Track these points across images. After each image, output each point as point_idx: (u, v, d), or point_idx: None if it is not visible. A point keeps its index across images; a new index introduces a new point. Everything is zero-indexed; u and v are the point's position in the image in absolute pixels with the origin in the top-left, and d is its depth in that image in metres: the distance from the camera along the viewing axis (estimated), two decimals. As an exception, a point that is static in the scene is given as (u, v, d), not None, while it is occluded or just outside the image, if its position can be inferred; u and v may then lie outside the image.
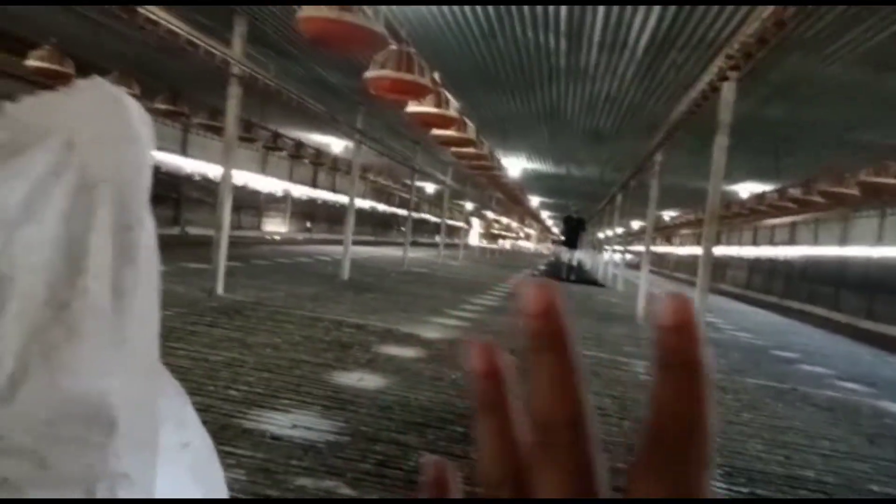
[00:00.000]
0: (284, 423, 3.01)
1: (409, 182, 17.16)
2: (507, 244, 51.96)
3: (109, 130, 0.48)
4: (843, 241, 16.10)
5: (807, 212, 14.51)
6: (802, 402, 4.97)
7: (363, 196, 27.15)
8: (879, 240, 14.32)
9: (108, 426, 0.41)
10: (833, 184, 9.96)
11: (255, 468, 2.48)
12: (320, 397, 3.49)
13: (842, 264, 15.90)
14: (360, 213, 26.01)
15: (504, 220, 40.47)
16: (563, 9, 5.40)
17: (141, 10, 4.91)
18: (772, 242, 20.97)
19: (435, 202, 35.14)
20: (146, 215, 0.50)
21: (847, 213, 15.27)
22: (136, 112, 0.50)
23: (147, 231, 0.49)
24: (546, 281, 0.18)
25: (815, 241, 17.77)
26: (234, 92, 6.54)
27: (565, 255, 17.08)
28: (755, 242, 22.79)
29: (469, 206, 28.37)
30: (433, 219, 39.09)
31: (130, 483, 0.40)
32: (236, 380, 3.63)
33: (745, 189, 15.19)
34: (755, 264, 22.63)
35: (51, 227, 0.42)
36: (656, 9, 5.14)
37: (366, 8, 3.64)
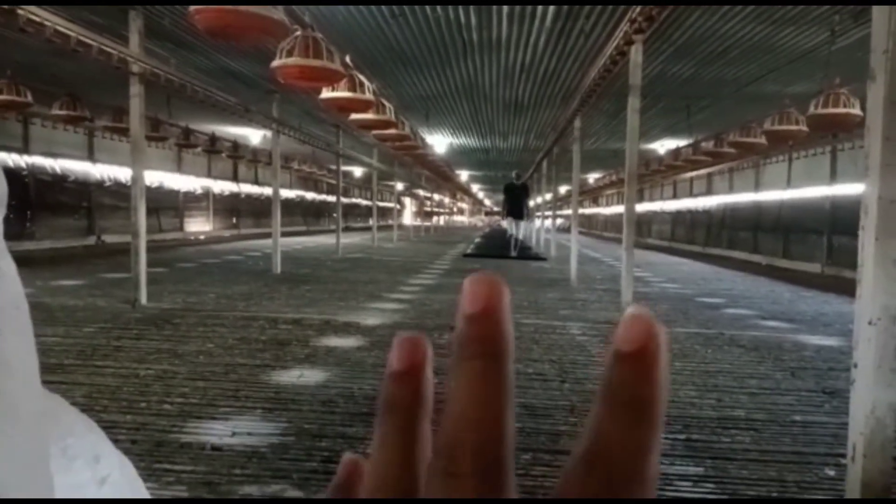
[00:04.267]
0: (224, 431, 2.93)
1: (335, 168, 16.88)
2: (441, 220, 52.17)
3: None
4: (757, 187, 16.96)
5: (720, 163, 15.18)
6: (730, 345, 5.23)
7: (289, 186, 26.54)
8: (788, 183, 15.17)
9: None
10: (741, 135, 10.45)
11: (197, 482, 2.40)
12: (260, 400, 3.41)
13: (757, 209, 16.77)
14: (288, 203, 25.45)
15: (436, 197, 40.55)
16: (469, -18, 5.38)
17: (20, 10, 4.55)
18: (691, 194, 21.88)
19: (364, 185, 34.78)
20: (4, 259, 0.45)
21: (758, 161, 16.07)
22: None
23: (8, 276, 0.45)
24: (492, 276, 0.15)
25: (731, 190, 18.66)
26: (136, 90, 6.20)
27: (512, 227, 14.93)
28: (676, 196, 23.72)
29: (399, 186, 28.23)
30: (364, 202, 38.71)
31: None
32: (170, 392, 3.50)
33: (663, 146, 15.73)
34: (677, 217, 23.57)
35: None
36: (560, -24, 5.19)
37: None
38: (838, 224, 12.48)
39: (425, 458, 0.15)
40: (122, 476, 0.56)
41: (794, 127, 8.45)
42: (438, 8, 6.00)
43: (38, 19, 4.71)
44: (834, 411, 3.48)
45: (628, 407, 0.14)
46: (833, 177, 13.18)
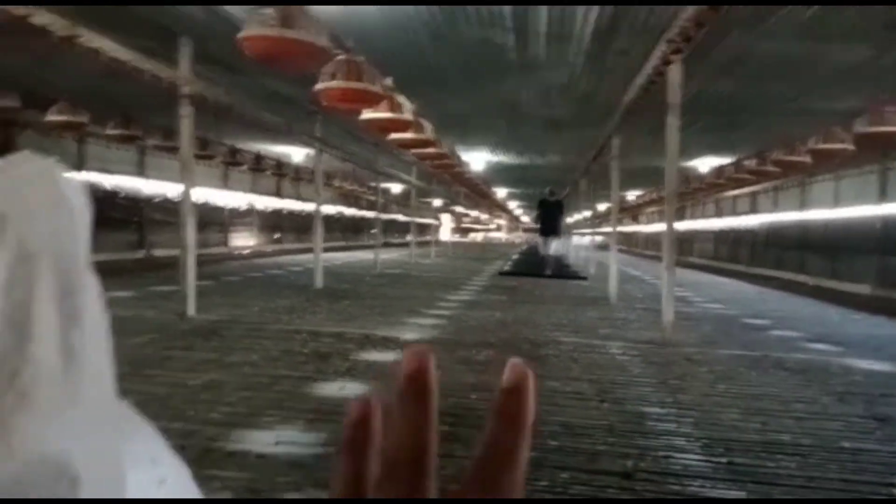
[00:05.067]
0: (269, 440, 3.01)
1: (374, 185, 17.11)
2: (478, 237, 52.17)
3: (43, 202, 0.50)
4: (803, 205, 16.54)
5: (764, 181, 14.86)
6: (775, 368, 5.10)
7: (330, 202, 26.97)
8: (836, 202, 14.75)
9: (70, 485, 0.43)
10: (785, 153, 10.23)
11: (242, 489, 2.48)
12: (303, 411, 3.49)
13: (803, 228, 16.34)
14: (329, 219, 25.81)
15: (473, 213, 40.61)
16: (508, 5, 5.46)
17: (80, 39, 4.82)
18: (734, 213, 21.44)
19: (403, 202, 35.11)
20: (88, 278, 0.52)
21: (803, 179, 15.69)
22: (68, 181, 0.52)
23: (91, 293, 0.51)
24: (423, 348, 0.23)
25: (776, 208, 18.22)
26: (186, 112, 6.45)
27: (543, 246, 14.12)
28: (718, 214, 23.27)
29: (437, 202, 28.41)
30: (403, 218, 39.03)
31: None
32: (217, 402, 3.61)
33: (704, 163, 15.49)
34: (720, 235, 23.10)
35: (-6, 302, 0.43)
36: (599, -3, 5.22)
37: (308, 22, 3.63)
38: (889, 244, 12.07)
39: (373, 474, 0.23)
40: (178, 479, 0.63)
41: (840, 145, 8.25)
42: (477, 30, 6.10)
43: (97, 46, 4.97)
44: (886, 439, 3.37)
45: (507, 420, 0.22)
46: (883, 196, 12.77)
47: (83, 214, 0.49)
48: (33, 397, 0.44)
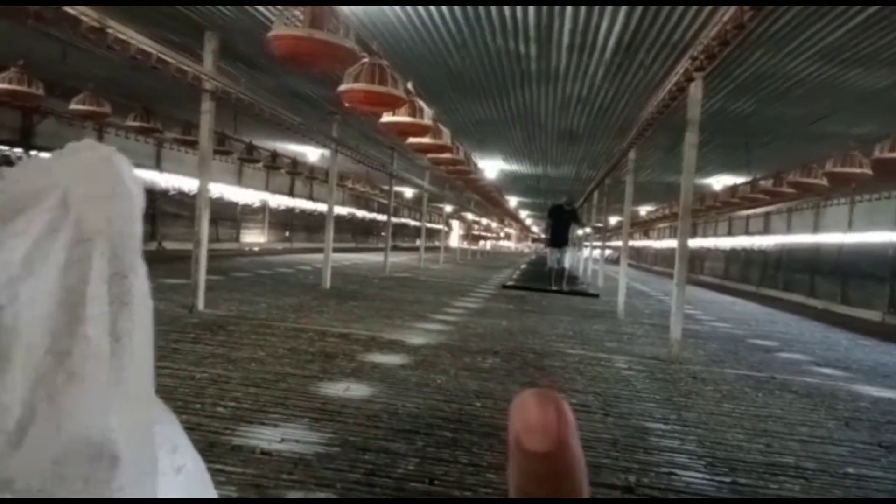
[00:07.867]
0: (273, 437, 3.03)
1: (387, 188, 17.15)
2: (487, 245, 52.12)
3: (101, 187, 0.52)
4: (816, 228, 16.42)
5: (778, 202, 14.78)
6: (781, 390, 5.08)
7: (342, 203, 27.07)
8: (850, 226, 14.64)
9: (110, 462, 0.45)
10: (802, 175, 10.18)
11: (246, 484, 2.50)
12: (308, 409, 3.51)
13: (815, 251, 16.22)
14: (340, 220, 25.91)
15: (484, 221, 40.58)
16: (532, 15, 5.48)
17: (110, 30, 4.89)
18: (747, 232, 21.31)
19: (414, 206, 35.15)
20: (139, 263, 0.53)
21: (818, 202, 15.59)
22: (126, 170, 0.54)
23: (140, 277, 0.53)
24: (551, 394, 0.14)
25: (789, 230, 18.11)
26: (207, 107, 6.52)
27: (554, 258, 12.93)
28: (731, 233, 23.15)
29: (448, 208, 28.41)
30: (413, 223, 39.08)
31: (133, 512, 0.44)
32: (223, 396, 3.63)
33: (719, 182, 15.42)
34: (732, 254, 22.97)
35: (50, 281, 0.45)
36: (622, 11, 5.24)
37: (336, 23, 3.67)
38: (903, 271, 11.96)
39: None
40: (195, 468, 0.64)
41: (857, 169, 8.20)
42: (500, 39, 6.12)
43: (124, 38, 5.04)
44: (891, 466, 3.35)
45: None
46: (899, 222, 12.67)
47: (139, 202, 0.51)
48: (82, 376, 0.46)
